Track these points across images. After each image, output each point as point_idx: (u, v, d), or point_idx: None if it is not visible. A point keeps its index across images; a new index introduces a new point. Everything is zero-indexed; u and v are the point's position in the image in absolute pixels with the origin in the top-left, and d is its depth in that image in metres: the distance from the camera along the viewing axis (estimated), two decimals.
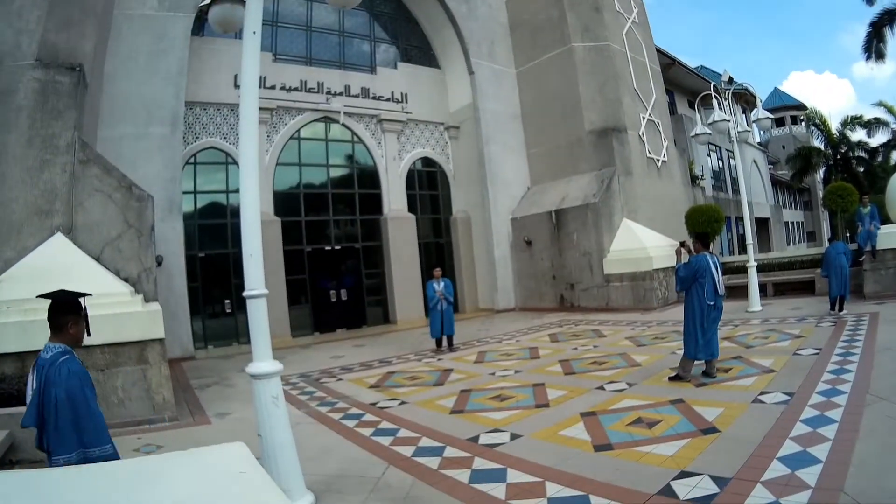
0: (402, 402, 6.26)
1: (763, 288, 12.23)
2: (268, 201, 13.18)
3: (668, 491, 3.30)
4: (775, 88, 44.40)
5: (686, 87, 25.56)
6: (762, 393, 5.09)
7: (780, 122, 41.21)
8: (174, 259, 10.93)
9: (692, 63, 29.27)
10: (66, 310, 2.78)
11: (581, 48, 15.51)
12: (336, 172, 15.35)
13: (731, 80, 15.49)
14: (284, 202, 13.86)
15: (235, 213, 10.07)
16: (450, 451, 4.39)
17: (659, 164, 16.13)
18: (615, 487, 3.42)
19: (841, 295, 9.37)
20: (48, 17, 7.11)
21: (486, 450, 4.36)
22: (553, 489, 3.48)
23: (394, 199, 15.46)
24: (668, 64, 22.34)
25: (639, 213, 14.59)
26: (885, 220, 11.17)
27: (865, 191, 15.85)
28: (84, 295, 2.86)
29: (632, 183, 14.81)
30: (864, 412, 4.22)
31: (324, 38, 15.21)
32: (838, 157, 27.33)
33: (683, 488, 3.30)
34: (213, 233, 12.88)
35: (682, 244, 6.49)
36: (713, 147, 24.18)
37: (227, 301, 12.72)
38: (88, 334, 2.89)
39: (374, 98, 15.37)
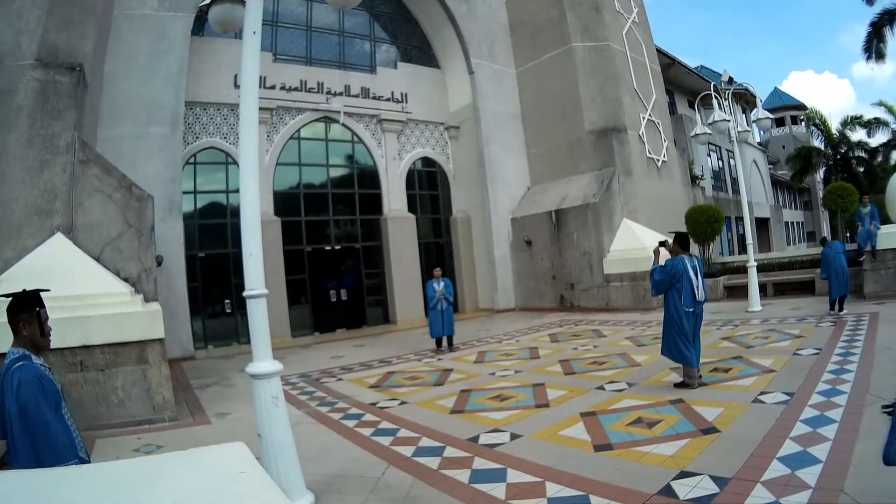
0: (402, 402, 6.26)
1: (763, 288, 12.22)
2: (268, 201, 13.19)
3: (668, 491, 3.30)
4: (775, 88, 44.44)
5: (686, 87, 25.55)
6: (762, 393, 5.09)
7: (780, 122, 41.19)
8: (174, 259, 10.93)
9: (692, 63, 29.28)
10: (17, 309, 2.51)
11: (581, 48, 15.51)
12: (336, 172, 15.35)
13: (731, 80, 15.52)
14: (284, 202, 13.87)
15: (235, 213, 10.09)
16: (450, 451, 4.39)
17: (659, 164, 16.13)
18: (615, 487, 3.42)
19: (841, 295, 9.38)
20: (48, 17, 7.11)
21: (486, 450, 4.36)
22: (553, 489, 3.49)
23: (394, 199, 15.47)
24: (668, 64, 22.34)
25: (639, 213, 14.59)
26: (885, 220, 11.17)
27: (865, 191, 15.84)
28: (41, 291, 2.58)
29: (632, 183, 14.81)
30: (864, 412, 4.22)
31: (324, 38, 15.21)
32: (838, 157, 27.33)
33: (683, 488, 3.30)
34: (213, 233, 12.89)
35: (663, 244, 6.04)
36: (713, 147, 24.16)
37: (227, 301, 12.73)
38: (44, 335, 2.58)
39: (374, 98, 15.38)
